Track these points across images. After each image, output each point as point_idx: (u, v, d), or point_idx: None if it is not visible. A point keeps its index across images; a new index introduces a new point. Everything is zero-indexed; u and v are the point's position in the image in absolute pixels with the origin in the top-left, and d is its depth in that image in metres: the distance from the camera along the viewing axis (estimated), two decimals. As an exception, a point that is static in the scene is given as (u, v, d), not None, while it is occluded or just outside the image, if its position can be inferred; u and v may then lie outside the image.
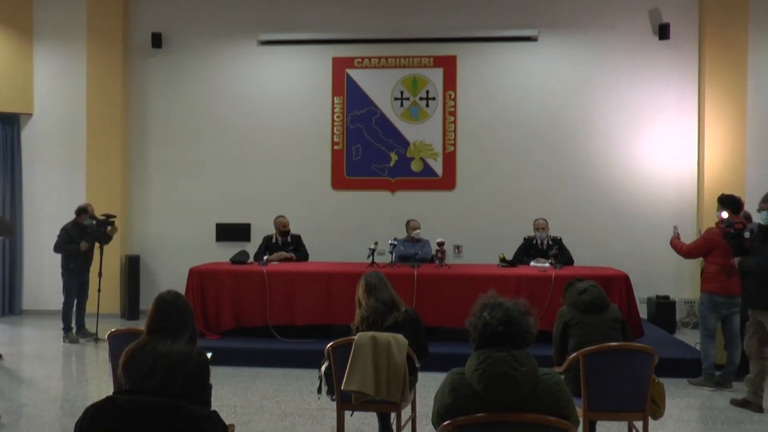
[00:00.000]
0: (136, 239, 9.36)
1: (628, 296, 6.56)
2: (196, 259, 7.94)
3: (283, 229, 7.90)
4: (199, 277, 7.03)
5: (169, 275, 9.01)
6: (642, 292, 8.13)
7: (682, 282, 8.61)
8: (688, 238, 6.92)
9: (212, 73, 9.32)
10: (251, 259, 7.58)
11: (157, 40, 9.19)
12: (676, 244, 6.22)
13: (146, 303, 6.92)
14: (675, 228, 6.52)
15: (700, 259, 6.39)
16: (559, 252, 7.22)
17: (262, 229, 8.47)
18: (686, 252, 6.10)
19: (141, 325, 2.95)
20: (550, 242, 7.51)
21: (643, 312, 7.83)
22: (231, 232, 9.16)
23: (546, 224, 7.58)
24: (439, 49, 9.07)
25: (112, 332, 4.06)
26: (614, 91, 8.82)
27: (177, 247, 9.18)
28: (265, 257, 7.41)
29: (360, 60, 9.14)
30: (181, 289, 6.82)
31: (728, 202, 5.84)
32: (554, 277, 6.57)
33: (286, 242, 7.91)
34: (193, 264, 7.35)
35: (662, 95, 8.74)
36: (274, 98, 9.23)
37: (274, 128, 9.20)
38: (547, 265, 7.12)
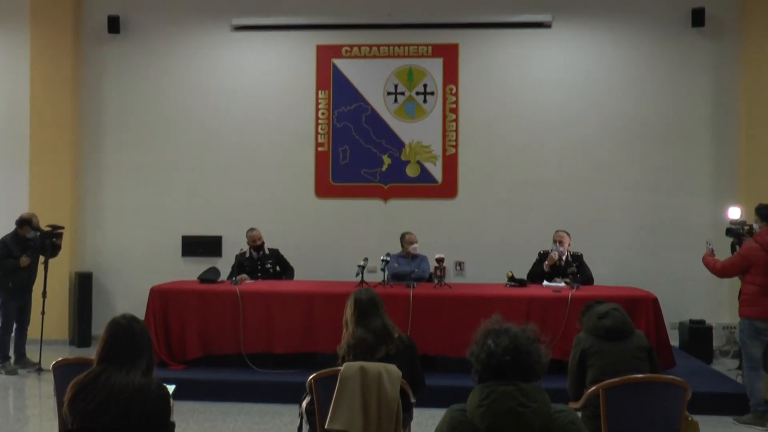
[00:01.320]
0: (88, 253, 9.32)
1: (657, 321, 6.56)
2: (159, 277, 7.92)
3: (254, 243, 7.94)
4: (161, 297, 7.01)
5: (126, 295, 8.99)
6: (673, 316, 8.13)
7: (719, 304, 8.61)
8: (724, 254, 6.92)
9: (178, 63, 9.30)
10: (223, 278, 7.57)
11: (114, 25, 9.16)
12: (708, 261, 6.21)
13: (99, 328, 6.83)
14: (708, 243, 6.49)
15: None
16: (577, 270, 7.21)
17: (235, 242, 8.44)
18: (720, 270, 6.08)
19: (92, 353, 2.93)
20: (569, 258, 7.50)
21: (674, 339, 7.80)
22: (199, 246, 9.15)
23: (567, 237, 7.56)
24: (438, 37, 9.07)
25: (57, 362, 4.03)
26: (640, 86, 8.86)
27: (136, 263, 9.16)
28: (238, 277, 7.40)
29: (348, 48, 9.14)
30: (141, 311, 6.84)
31: (767, 213, 5.86)
32: (570, 298, 6.56)
33: (263, 257, 7.94)
34: (155, 282, 7.33)
35: (695, 90, 8.79)
36: (250, 93, 9.22)
37: (250, 127, 9.20)
38: (563, 284, 7.11)
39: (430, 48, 9.08)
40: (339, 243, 8.97)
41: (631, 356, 4.06)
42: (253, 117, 9.21)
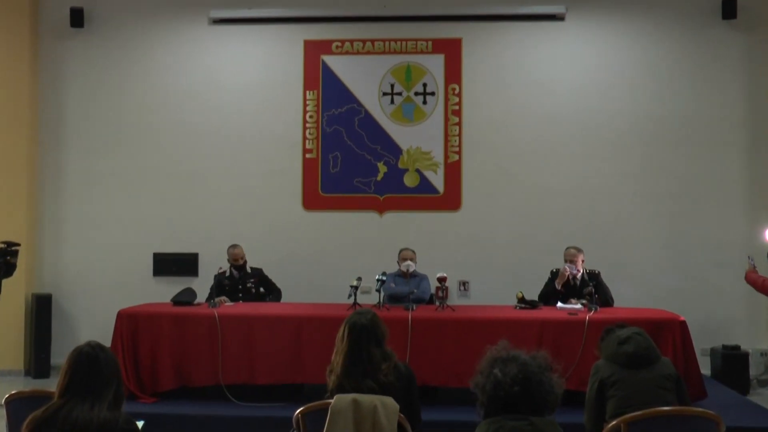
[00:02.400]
0: (48, 273, 9.28)
1: (685, 346, 6.52)
2: (128, 299, 7.82)
3: (235, 262, 7.96)
4: (130, 322, 6.93)
5: (90, 320, 8.97)
6: (703, 341, 8.10)
7: (756, 328, 8.60)
8: (763, 271, 6.91)
9: (150, 60, 9.31)
10: (199, 300, 7.55)
11: (77, 17, 9.15)
12: (754, 278, 6.18)
13: (59, 357, 7.02)
14: (750, 258, 6.44)
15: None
16: (595, 290, 7.14)
17: (214, 260, 8.43)
18: (768, 288, 6.09)
19: (51, 385, 2.91)
20: (585, 277, 7.49)
21: (705, 367, 7.74)
22: (173, 265, 9.15)
23: (579, 254, 7.55)
24: (439, 30, 9.10)
25: (11, 395, 3.98)
26: (664, 85, 8.87)
27: (102, 284, 9.13)
28: (217, 299, 7.38)
29: (339, 44, 9.16)
30: (107, 337, 6.81)
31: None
32: (588, 322, 6.52)
33: (244, 277, 7.94)
34: (123, 305, 7.22)
35: (727, 90, 8.80)
36: (230, 93, 9.23)
37: (230, 132, 9.20)
38: (579, 306, 7.10)
39: (430, 43, 9.09)
40: (329, 261, 8.95)
41: (656, 386, 4.06)
42: (233, 120, 9.21)
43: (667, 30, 8.87)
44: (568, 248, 7.61)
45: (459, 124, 9.05)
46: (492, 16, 9.01)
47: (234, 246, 8.04)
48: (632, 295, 8.14)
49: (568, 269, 7.41)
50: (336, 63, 9.16)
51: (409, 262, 7.85)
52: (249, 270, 8.02)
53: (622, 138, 8.88)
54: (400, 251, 8.03)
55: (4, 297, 7.59)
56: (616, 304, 7.47)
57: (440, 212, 9.03)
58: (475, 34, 9.08)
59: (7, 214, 8.92)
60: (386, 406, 3.85)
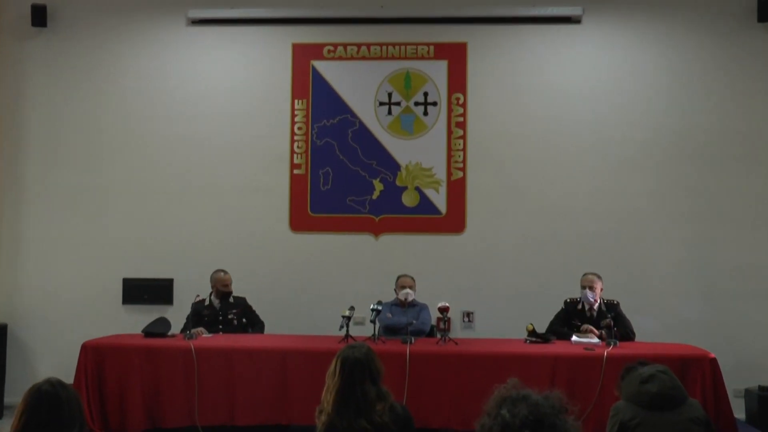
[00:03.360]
0: (2, 299, 9.22)
1: (716, 386, 6.51)
2: (93, 330, 7.83)
3: (224, 288, 7.98)
4: (96, 355, 6.94)
5: (51, 352, 8.92)
6: (736, 381, 8.02)
7: (797, 367, 8.66)
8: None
9: (120, 63, 9.30)
10: (174, 331, 7.55)
11: (39, 16, 9.14)
12: None
13: (15, 395, 6.73)
14: None
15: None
16: (614, 322, 7.17)
17: (190, 287, 8.35)
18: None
19: (5, 428, 2.88)
20: (602, 307, 7.52)
21: (738, 410, 7.65)
22: (145, 291, 9.11)
23: (598, 282, 7.57)
24: (442, 33, 9.11)
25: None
26: (692, 95, 8.87)
27: (64, 312, 9.08)
28: (193, 330, 7.38)
29: (331, 48, 9.17)
30: (70, 373, 6.78)
31: None
32: (606, 358, 6.53)
33: (226, 306, 7.95)
34: (89, 336, 7.24)
35: (762, 100, 8.80)
36: (210, 102, 9.21)
37: (209, 144, 9.18)
38: (596, 340, 7.10)
39: (431, 48, 9.10)
40: (319, 288, 8.94)
41: (682, 430, 4.03)
42: (213, 132, 9.19)
43: (697, 34, 8.87)
44: (585, 275, 7.66)
45: (463, 137, 9.04)
46: (500, 19, 9.01)
47: (220, 271, 8.06)
48: (655, 328, 8.16)
49: (590, 296, 7.46)
50: (327, 69, 9.15)
51: (408, 290, 7.83)
52: (232, 299, 8.04)
53: (643, 152, 8.87)
54: (398, 278, 8.02)
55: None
56: (637, 338, 7.45)
57: (442, 235, 9.01)
58: (481, 38, 9.07)
59: (-41, 235, 8.96)
60: (382, 451, 3.83)
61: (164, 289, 9.11)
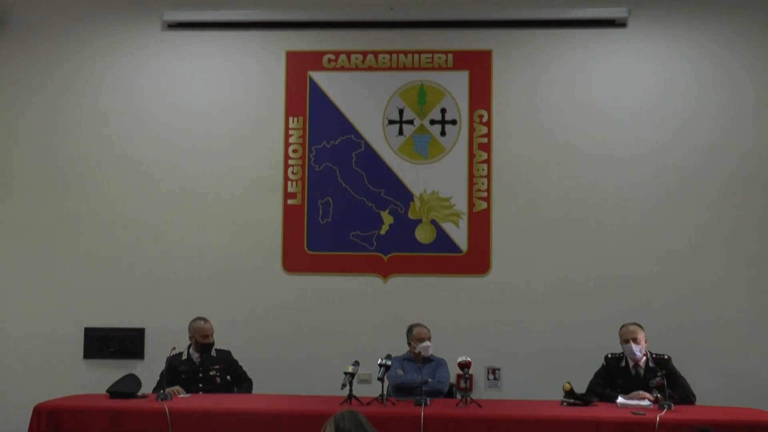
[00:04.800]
0: (-59, 353, 9.08)
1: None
2: (49, 389, 7.80)
3: (203, 340, 7.89)
4: (51, 419, 6.78)
5: (-1, 416, 8.72)
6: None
7: None
8: None
9: (83, 74, 9.27)
10: (145, 391, 7.44)
11: (-9, 19, 9.06)
12: None
13: None
14: None
15: None
16: (666, 381, 6.97)
17: (164, 338, 8.36)
18: None
19: None
20: (650, 364, 7.38)
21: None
22: (111, 343, 9.04)
23: (641, 332, 7.46)
24: (463, 40, 9.06)
25: None
26: (757, 111, 8.84)
27: (14, 368, 9.02)
28: (168, 389, 7.27)
29: (332, 57, 9.11)
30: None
31: None
32: (659, 423, 6.36)
33: (207, 361, 7.86)
34: (43, 397, 7.13)
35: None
36: (189, 121, 9.16)
37: (189, 170, 9.12)
38: (647, 403, 6.94)
39: (450, 56, 9.05)
40: (317, 340, 8.89)
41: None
42: (192, 155, 9.13)
43: (759, 38, 8.88)
44: (625, 326, 7.59)
45: (488, 161, 8.98)
46: (531, 22, 8.98)
47: (201, 319, 7.96)
48: (714, 388, 8.08)
49: (636, 351, 7.37)
50: (328, 81, 9.10)
51: (426, 342, 7.77)
52: (214, 353, 7.94)
53: (701, 182, 8.82)
54: (412, 328, 7.93)
55: None
56: (697, 401, 7.29)
57: (463, 277, 8.94)
58: (508, 45, 9.03)
59: None
60: None
61: (133, 340, 9.02)
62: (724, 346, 8.63)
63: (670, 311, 8.61)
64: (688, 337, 8.47)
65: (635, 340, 7.37)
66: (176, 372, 7.73)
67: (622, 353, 7.51)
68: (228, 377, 7.96)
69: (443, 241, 8.96)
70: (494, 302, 8.88)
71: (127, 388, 7.31)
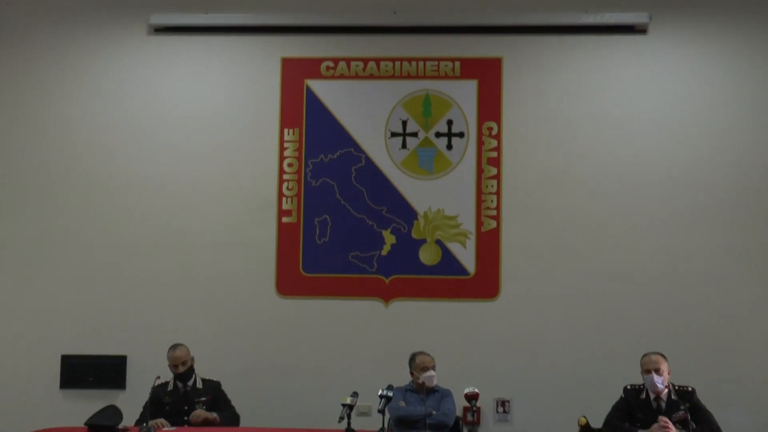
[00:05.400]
0: None
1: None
2: (23, 421, 7.96)
3: (174, 370, 7.88)
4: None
5: (-33, 453, 8.61)
6: None
7: None
8: None
9: (64, 82, 9.25)
10: (127, 423, 7.41)
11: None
12: None
13: None
14: None
15: None
16: (690, 415, 6.95)
17: (148, 366, 8.33)
18: None
19: None
20: (673, 397, 7.32)
21: None
22: (90, 372, 8.99)
23: (663, 362, 7.39)
24: (471, 46, 9.05)
25: None
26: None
27: (-14, 399, 8.83)
28: (152, 421, 7.28)
29: (331, 64, 9.09)
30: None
31: None
32: (682, 462, 6.27)
33: (192, 392, 7.79)
34: (17, 431, 7.57)
35: None
36: (176, 132, 9.14)
37: (175, 186, 9.08)
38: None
39: (457, 64, 9.03)
40: (312, 369, 8.84)
41: None
42: (179, 169, 9.09)
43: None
44: (646, 355, 7.53)
45: (497, 177, 8.95)
46: (545, 28, 8.98)
47: (175, 347, 7.89)
48: (744, 424, 8.14)
49: (658, 382, 7.31)
50: (326, 90, 9.08)
51: (431, 372, 7.71)
52: (200, 384, 7.86)
53: (729, 200, 8.80)
54: (415, 357, 7.87)
55: None
56: (725, 437, 7.16)
57: (470, 301, 8.91)
58: (520, 53, 9.03)
59: None
60: None
61: (115, 369, 8.97)
62: (754, 378, 8.57)
63: (695, 339, 8.58)
64: (714, 368, 8.42)
65: (657, 371, 7.30)
66: (160, 403, 7.68)
67: (643, 384, 7.44)
68: (215, 411, 7.84)
69: (449, 262, 8.93)
70: (504, 328, 8.84)
71: (107, 420, 7.27)
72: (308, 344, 8.91)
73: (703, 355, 8.45)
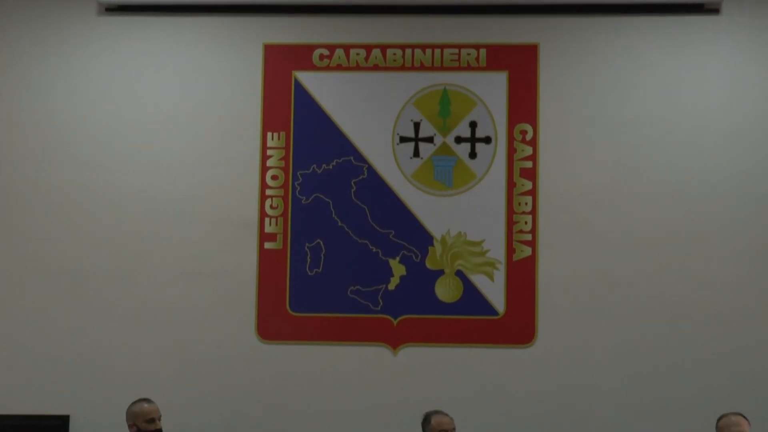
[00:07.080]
0: None
1: None
2: None
3: (149, 426, 7.22)
4: None
5: None
6: None
7: None
8: None
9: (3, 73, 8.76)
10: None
11: None
12: None
13: None
14: None
15: None
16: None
17: (97, 427, 7.93)
18: None
19: None
20: (755, 467, 6.65)
21: None
22: (28, 432, 8.63)
23: (746, 425, 6.79)
24: (499, 30, 8.23)
25: None
26: None
27: None
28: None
29: (326, 52, 8.31)
30: None
31: None
32: None
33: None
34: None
35: None
36: (130, 135, 8.33)
37: (130, 202, 8.32)
38: None
39: (483, 52, 8.16)
40: (303, 430, 8.15)
41: None
42: (135, 183, 8.27)
43: None
44: (725, 416, 6.88)
45: (533, 193, 8.10)
46: (591, 7, 8.10)
47: (144, 401, 7.25)
48: None
49: None
50: (319, 85, 8.25)
51: (449, 435, 7.28)
52: (165, 448, 7.41)
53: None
54: (429, 417, 7.12)
55: None
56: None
57: (499, 348, 8.05)
58: (561, 38, 8.18)
59: None
60: None
61: (56, 430, 8.32)
62: None
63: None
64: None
65: (739, 436, 7.02)
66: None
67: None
68: (183, 481, 7.39)
69: (472, 299, 8.04)
70: (540, 382, 7.97)
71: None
72: (296, 402, 8.06)
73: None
